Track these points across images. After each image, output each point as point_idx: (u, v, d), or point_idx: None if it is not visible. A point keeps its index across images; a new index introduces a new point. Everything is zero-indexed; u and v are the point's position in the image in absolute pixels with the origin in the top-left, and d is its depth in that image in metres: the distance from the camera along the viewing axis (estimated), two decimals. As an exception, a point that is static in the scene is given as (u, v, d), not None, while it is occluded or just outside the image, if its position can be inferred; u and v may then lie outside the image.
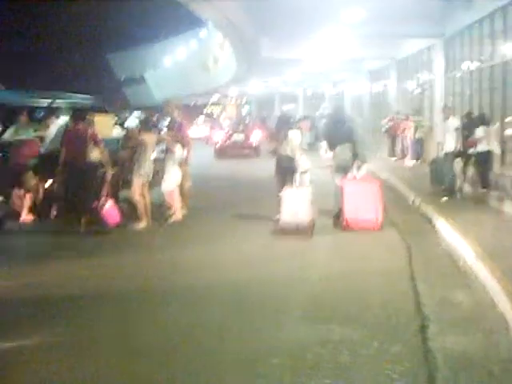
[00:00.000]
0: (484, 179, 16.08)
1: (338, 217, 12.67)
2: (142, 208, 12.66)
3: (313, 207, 12.20)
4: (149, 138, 12.87)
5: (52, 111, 13.95)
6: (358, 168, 13.00)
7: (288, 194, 12.25)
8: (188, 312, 7.47)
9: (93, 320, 7.23)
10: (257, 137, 36.31)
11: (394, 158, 28.15)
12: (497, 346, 6.33)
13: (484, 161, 16.14)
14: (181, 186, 13.93)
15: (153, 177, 13.31)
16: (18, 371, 5.91)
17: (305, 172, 13.30)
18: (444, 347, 6.22)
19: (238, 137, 35.45)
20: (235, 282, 8.80)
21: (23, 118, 13.14)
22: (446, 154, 16.59)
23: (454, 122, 16.80)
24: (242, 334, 6.68)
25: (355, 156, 13.04)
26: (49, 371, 5.85)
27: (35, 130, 13.27)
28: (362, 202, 12.43)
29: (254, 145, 35.13)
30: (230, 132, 36.68)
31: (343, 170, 13.06)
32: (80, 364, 5.99)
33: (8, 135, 12.95)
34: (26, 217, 12.83)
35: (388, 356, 6.02)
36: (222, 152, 34.06)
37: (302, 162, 13.27)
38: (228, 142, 35.13)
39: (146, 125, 13.12)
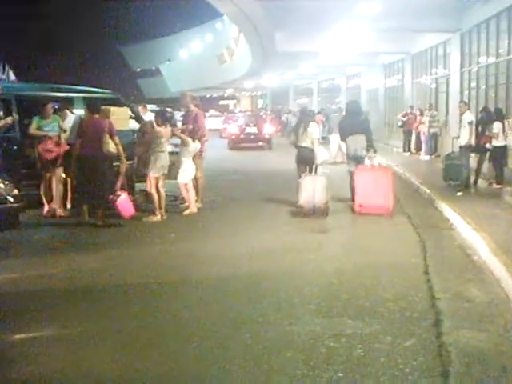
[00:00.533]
0: (499, 174, 16.06)
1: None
2: (156, 201, 12.70)
3: (328, 193, 13.28)
4: (164, 131, 12.89)
5: (67, 103, 13.89)
6: (372, 158, 14.47)
7: (306, 181, 13.32)
8: (202, 305, 7.50)
9: (109, 311, 7.30)
10: (269, 130, 37.44)
11: (407, 153, 28.10)
12: (511, 341, 6.32)
13: (500, 156, 16.12)
14: (195, 180, 14.04)
15: (169, 170, 13.37)
16: (31, 362, 5.95)
17: (323, 162, 14.68)
18: (458, 342, 6.22)
19: (252, 130, 36.53)
20: (249, 275, 8.82)
21: (47, 109, 13.11)
22: (461, 148, 16.58)
23: (468, 116, 16.77)
24: (255, 327, 6.70)
25: (370, 146, 14.36)
26: (65, 361, 5.93)
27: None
28: (374, 189, 13.37)
29: (266, 137, 36.18)
30: (244, 125, 37.50)
31: (356, 159, 14.30)
32: (94, 354, 6.06)
33: (33, 127, 12.92)
34: (60, 211, 12.88)
35: (401, 350, 6.02)
36: (236, 144, 35.60)
37: (321, 153, 14.38)
38: (242, 134, 36.40)
39: (161, 118, 13.07)
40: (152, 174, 12.70)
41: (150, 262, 9.60)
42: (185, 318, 7.04)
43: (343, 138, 14.97)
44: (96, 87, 16.49)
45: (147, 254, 10.09)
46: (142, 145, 13.09)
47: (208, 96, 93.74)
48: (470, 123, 16.45)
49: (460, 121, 17.34)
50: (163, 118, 13.22)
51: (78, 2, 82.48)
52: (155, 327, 6.76)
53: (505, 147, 16.13)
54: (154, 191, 12.69)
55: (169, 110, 13.80)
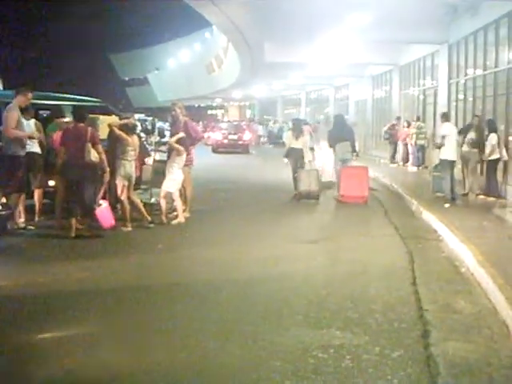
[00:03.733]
0: (490, 186, 16.14)
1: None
2: (126, 211, 12.63)
3: (320, 182, 17.59)
4: (130, 139, 12.75)
5: (56, 112, 13.85)
6: (355, 159, 18.89)
7: (304, 173, 17.58)
8: (189, 314, 7.48)
9: (101, 313, 7.28)
10: (247, 137, 45.14)
11: (394, 165, 28.18)
12: (498, 352, 6.34)
13: (492, 168, 16.19)
14: (183, 189, 14.07)
15: (155, 178, 13.34)
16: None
17: (311, 161, 19.57)
18: (446, 353, 6.23)
19: (233, 137, 43.99)
20: (237, 284, 8.81)
21: (59, 120, 13.11)
22: (442, 161, 16.53)
23: (444, 129, 16.68)
24: (243, 337, 6.68)
25: (353, 151, 18.68)
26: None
27: None
28: (354, 183, 16.99)
29: (244, 143, 43.90)
30: (227, 133, 44.65)
31: (343, 161, 18.14)
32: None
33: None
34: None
35: (389, 361, 6.03)
36: (219, 148, 42.66)
37: (309, 153, 19.34)
38: (225, 140, 43.72)
39: (127, 126, 12.91)
40: (117, 182, 12.61)
41: (137, 272, 9.57)
42: (172, 327, 7.01)
43: (332, 145, 18.60)
44: (84, 95, 16.44)
45: (135, 263, 10.06)
46: (108, 152, 12.86)
47: (196, 106, 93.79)
48: (443, 137, 16.37)
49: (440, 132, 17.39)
50: (129, 126, 13.06)
51: (68, 9, 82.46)
52: (142, 336, 6.75)
53: (498, 160, 16.21)
54: (124, 199, 12.62)
55: (149, 118, 13.68)
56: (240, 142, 43.70)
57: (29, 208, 12.82)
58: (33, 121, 12.89)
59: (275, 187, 20.32)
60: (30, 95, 12.38)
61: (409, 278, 9.20)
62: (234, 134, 44.40)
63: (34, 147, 12.70)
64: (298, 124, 19.56)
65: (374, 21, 20.64)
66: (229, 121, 64.24)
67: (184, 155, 13.46)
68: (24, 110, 12.56)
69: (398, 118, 30.01)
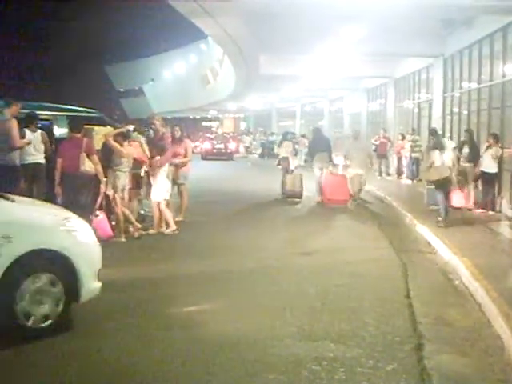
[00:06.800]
0: (485, 200, 16.17)
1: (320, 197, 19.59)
2: (120, 221, 12.61)
3: (303, 183, 20.32)
4: (125, 151, 12.74)
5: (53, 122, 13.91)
6: (333, 167, 20.61)
7: (290, 177, 20.78)
8: (181, 326, 7.46)
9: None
10: (232, 146, 53.71)
11: (389, 177, 28.17)
12: (492, 366, 6.34)
13: (487, 182, 16.21)
14: (180, 195, 14.88)
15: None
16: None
17: (296, 167, 22.27)
18: (439, 366, 6.23)
19: (219, 146, 51.65)
20: (230, 295, 8.80)
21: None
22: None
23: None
24: (236, 349, 6.66)
25: (330, 160, 20.32)
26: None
27: None
28: (336, 187, 19.00)
29: (229, 152, 51.08)
30: (215, 142, 52.80)
31: (321, 168, 19.84)
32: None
33: None
34: None
35: (383, 374, 6.02)
36: (207, 155, 49.07)
37: (293, 161, 22.22)
38: (213, 149, 51.03)
39: (122, 135, 12.88)
40: (110, 193, 12.55)
41: (132, 281, 9.55)
42: (165, 338, 6.98)
43: (312, 155, 20.68)
44: (79, 106, 16.42)
45: (131, 273, 10.03)
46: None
47: (191, 117, 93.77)
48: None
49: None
50: (125, 137, 13.03)
51: (64, 20, 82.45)
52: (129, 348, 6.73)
53: (493, 174, 16.20)
54: (119, 211, 12.60)
55: (130, 127, 13.64)
56: (225, 151, 50.86)
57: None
58: (39, 132, 12.91)
59: (267, 196, 21.11)
60: (20, 105, 12.41)
61: (403, 290, 9.20)
62: (221, 143, 52.42)
63: (39, 158, 12.74)
64: (284, 137, 23.99)
65: (369, 34, 20.67)
66: (216, 133, 73.56)
67: (167, 165, 13.55)
68: (29, 122, 12.64)
69: (385, 130, 30.25)
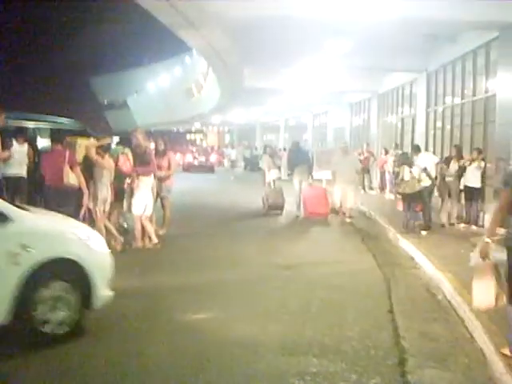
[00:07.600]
0: (469, 215, 16.22)
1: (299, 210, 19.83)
2: (102, 235, 12.53)
3: (283, 196, 20.54)
4: (107, 163, 12.66)
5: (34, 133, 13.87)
6: (312, 180, 20.73)
7: (271, 190, 21.38)
8: (165, 341, 7.40)
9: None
10: (213, 159, 57.09)
11: (373, 192, 28.21)
12: (475, 380, 6.33)
13: (470, 197, 16.25)
14: (162, 206, 14.86)
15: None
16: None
17: (275, 179, 22.83)
18: (422, 381, 6.22)
19: (201, 158, 54.90)
20: (213, 309, 8.75)
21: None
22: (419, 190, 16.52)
23: (424, 160, 16.75)
24: (220, 364, 6.60)
25: (309, 173, 20.47)
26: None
27: None
28: (316, 200, 19.28)
29: (210, 165, 52.94)
30: (197, 155, 56.17)
31: (300, 181, 20.00)
32: None
33: None
34: None
35: (366, 389, 5.99)
36: (189, 168, 49.73)
37: (271, 174, 22.88)
38: (195, 162, 53.21)
39: (103, 148, 12.80)
40: (93, 206, 12.49)
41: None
42: (151, 353, 6.91)
43: (291, 169, 20.97)
44: (62, 117, 16.37)
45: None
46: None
47: (175, 130, 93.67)
48: (425, 169, 16.36)
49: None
50: (105, 149, 12.95)
51: (47, 30, 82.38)
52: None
53: (477, 189, 16.21)
54: (101, 225, 12.50)
55: (114, 140, 13.63)
56: (206, 164, 53.15)
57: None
58: (26, 145, 12.84)
59: (248, 212, 21.02)
60: (3, 115, 12.33)
61: (386, 305, 9.19)
62: (203, 156, 56.45)
63: (22, 171, 12.66)
64: (264, 150, 25.97)
65: (353, 48, 20.70)
66: (198, 145, 78.05)
67: (151, 178, 13.49)
68: (18, 136, 12.56)
69: (368, 145, 30.42)
